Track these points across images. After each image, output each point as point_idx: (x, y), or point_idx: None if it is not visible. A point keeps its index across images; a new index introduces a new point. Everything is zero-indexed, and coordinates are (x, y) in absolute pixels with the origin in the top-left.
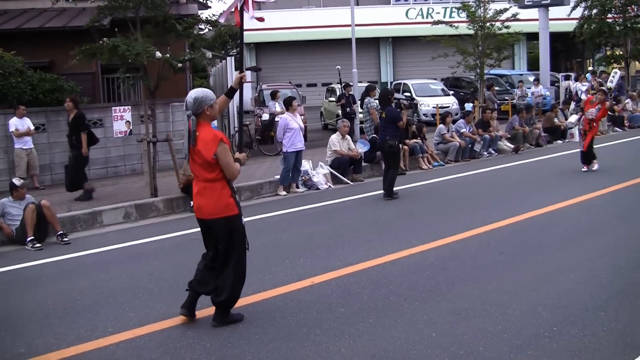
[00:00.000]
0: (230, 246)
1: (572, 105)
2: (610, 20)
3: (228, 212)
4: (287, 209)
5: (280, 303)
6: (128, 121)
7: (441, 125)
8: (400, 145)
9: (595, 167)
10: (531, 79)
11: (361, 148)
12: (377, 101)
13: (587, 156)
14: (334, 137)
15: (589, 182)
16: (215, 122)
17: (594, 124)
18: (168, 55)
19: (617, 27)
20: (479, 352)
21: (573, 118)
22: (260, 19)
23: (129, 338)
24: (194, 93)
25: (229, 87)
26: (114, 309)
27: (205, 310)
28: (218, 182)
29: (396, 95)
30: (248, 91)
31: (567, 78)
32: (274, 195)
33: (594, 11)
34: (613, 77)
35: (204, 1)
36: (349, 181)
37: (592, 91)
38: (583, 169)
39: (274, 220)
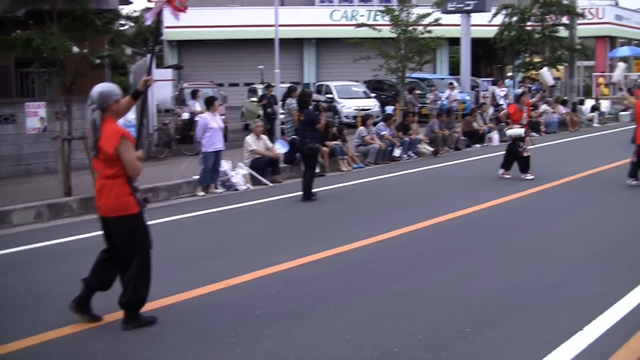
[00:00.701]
0: (130, 246)
1: (491, 110)
2: (529, 28)
3: (127, 211)
4: (205, 209)
5: (195, 305)
6: (42, 118)
7: (362, 128)
8: (320, 147)
9: (530, 177)
10: (454, 83)
11: (280, 149)
12: None
13: (525, 163)
14: (249, 138)
15: (507, 185)
16: (132, 121)
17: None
18: (86, 50)
19: (536, 35)
20: (393, 354)
21: (517, 131)
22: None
23: (36, 343)
24: (99, 87)
25: (134, 90)
26: (20, 312)
27: (118, 313)
28: (118, 179)
29: (317, 97)
30: (169, 90)
31: (494, 83)
32: (192, 195)
33: (514, 19)
34: (545, 74)
35: None
36: (268, 182)
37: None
38: (528, 177)
39: (191, 221)
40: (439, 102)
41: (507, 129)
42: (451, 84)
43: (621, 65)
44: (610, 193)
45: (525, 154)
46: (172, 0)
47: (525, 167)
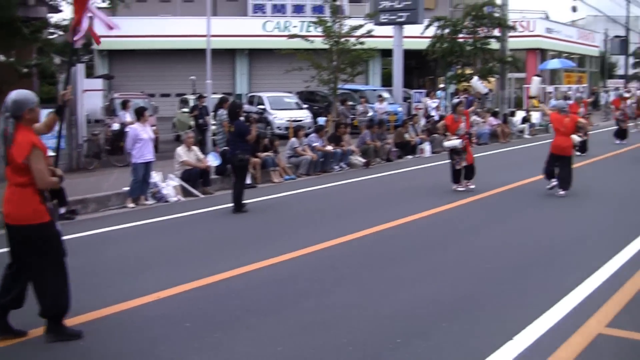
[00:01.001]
0: (41, 256)
1: (423, 121)
2: (461, 40)
3: (37, 220)
4: (134, 221)
5: (124, 318)
6: None
7: (293, 139)
8: (250, 158)
9: (472, 186)
10: (385, 94)
11: (213, 161)
12: None
13: (470, 170)
14: (180, 149)
15: (437, 197)
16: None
17: (467, 137)
18: (12, 59)
19: (468, 47)
20: None
21: (454, 142)
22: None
23: None
24: (14, 95)
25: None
26: None
27: (41, 328)
28: (29, 187)
29: (248, 108)
30: (99, 100)
31: (428, 94)
32: (121, 207)
33: (446, 31)
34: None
35: (55, 4)
36: (199, 194)
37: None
38: (459, 188)
39: (120, 233)
40: (369, 113)
41: (445, 141)
42: (380, 96)
43: (536, 80)
44: (538, 203)
45: (457, 167)
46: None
47: (463, 175)
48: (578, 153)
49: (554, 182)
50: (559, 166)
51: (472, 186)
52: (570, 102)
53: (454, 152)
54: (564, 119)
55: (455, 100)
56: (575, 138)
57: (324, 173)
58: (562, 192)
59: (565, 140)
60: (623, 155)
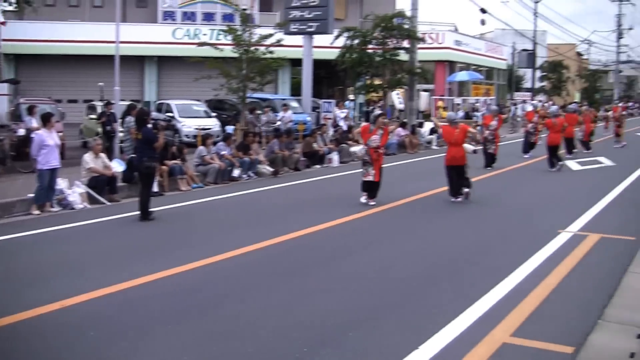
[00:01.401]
0: None
1: (331, 131)
2: (370, 51)
3: None
4: (39, 228)
5: (26, 327)
6: None
7: (201, 147)
8: (158, 165)
9: (373, 202)
10: (294, 104)
11: (117, 167)
12: None
13: (374, 187)
14: (87, 156)
15: (344, 207)
16: None
17: (380, 151)
18: None
19: (377, 58)
20: None
21: (356, 148)
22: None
23: None
24: None
25: None
26: None
27: None
28: None
29: (157, 115)
30: (4, 105)
31: (337, 104)
32: (26, 214)
33: (356, 41)
34: (398, 97)
35: None
36: (105, 201)
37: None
38: (364, 200)
39: (25, 240)
40: (278, 122)
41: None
42: (285, 105)
43: (423, 95)
44: (445, 214)
45: (365, 178)
46: None
47: (371, 188)
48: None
49: (459, 198)
50: (455, 176)
51: (373, 203)
52: (479, 114)
53: (365, 162)
54: (454, 131)
55: (377, 112)
56: (468, 147)
57: (231, 182)
58: (466, 190)
59: (457, 151)
60: (529, 167)
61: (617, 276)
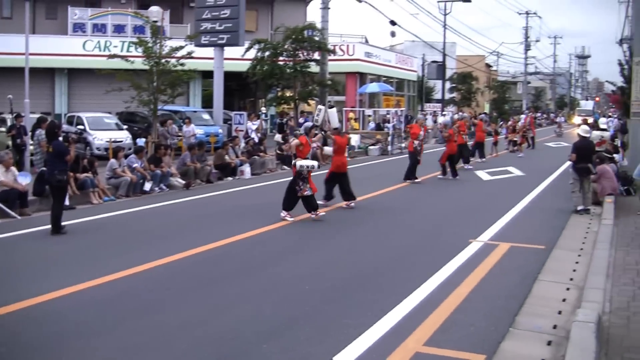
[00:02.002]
0: None
1: (242, 143)
2: (281, 63)
3: None
4: None
5: None
6: None
7: (113, 160)
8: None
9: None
10: (205, 116)
11: (22, 180)
12: None
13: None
14: None
15: (255, 219)
16: None
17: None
18: None
19: (288, 70)
20: None
21: (311, 163)
22: None
23: None
24: None
25: None
26: None
27: None
28: None
29: (67, 128)
30: None
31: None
32: None
33: (267, 53)
34: (318, 113)
35: None
36: (16, 215)
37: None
38: (288, 218)
39: None
40: (189, 136)
41: (298, 160)
42: (188, 118)
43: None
44: (358, 224)
45: (300, 194)
46: None
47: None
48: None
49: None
50: (340, 182)
51: (320, 213)
52: (390, 125)
53: (300, 177)
54: (343, 139)
55: (309, 124)
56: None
57: (143, 194)
58: (352, 204)
59: (344, 158)
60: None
61: (527, 284)
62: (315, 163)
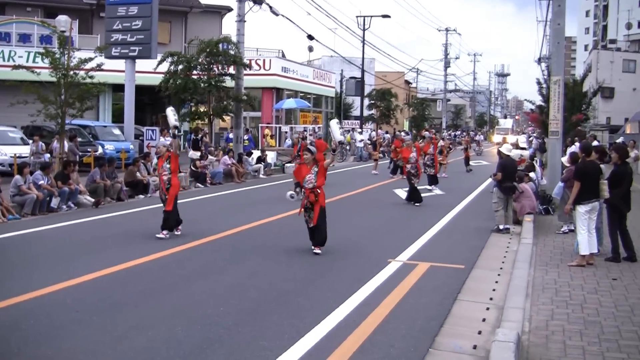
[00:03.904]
0: None
1: (155, 160)
2: (195, 77)
3: None
4: None
5: None
6: None
7: (18, 176)
8: None
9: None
10: (116, 131)
11: None
12: None
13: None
14: None
15: (162, 240)
16: None
17: (318, 191)
18: None
19: (202, 84)
20: None
21: (288, 194)
22: None
23: None
24: None
25: None
26: None
27: None
28: None
29: None
30: None
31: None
32: None
33: (180, 67)
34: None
35: None
36: None
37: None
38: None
39: None
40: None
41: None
42: (58, 134)
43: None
44: (270, 245)
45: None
46: None
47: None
48: None
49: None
50: None
51: (318, 251)
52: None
53: (306, 208)
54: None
55: (308, 141)
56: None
57: (50, 213)
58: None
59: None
60: (360, 196)
61: (447, 304)
62: (289, 194)
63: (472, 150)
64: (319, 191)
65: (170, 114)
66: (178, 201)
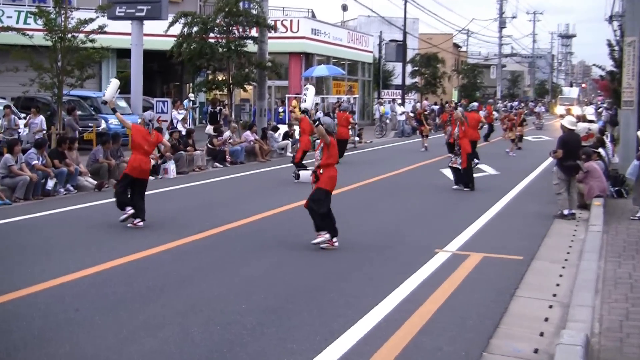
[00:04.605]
0: None
1: (166, 136)
2: (212, 41)
3: None
4: None
5: None
6: None
7: (8, 155)
8: None
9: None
10: (121, 103)
11: None
12: None
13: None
14: None
15: (179, 225)
16: None
17: (320, 171)
18: None
19: (220, 49)
20: None
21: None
22: None
23: None
24: None
25: None
26: None
27: None
28: None
29: None
30: None
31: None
32: None
33: (195, 29)
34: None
35: None
36: None
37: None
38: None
39: None
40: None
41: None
42: (36, 108)
43: (309, 87)
44: (300, 234)
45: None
46: None
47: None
48: None
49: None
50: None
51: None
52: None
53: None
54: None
55: (319, 115)
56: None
57: (45, 197)
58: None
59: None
60: (399, 178)
61: (503, 301)
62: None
63: (531, 124)
64: (321, 171)
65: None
66: (197, 183)
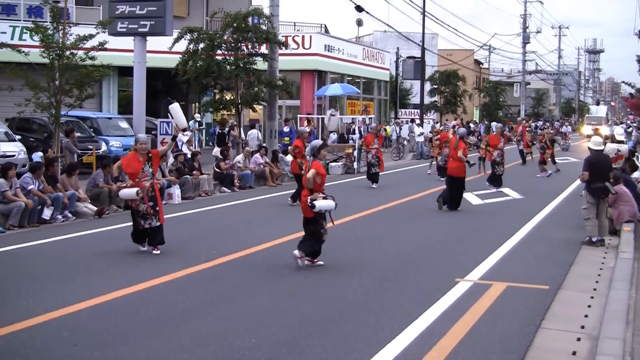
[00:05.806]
0: None
1: (171, 159)
2: (219, 58)
3: None
4: None
5: None
6: None
7: (1, 180)
8: None
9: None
10: (123, 124)
11: None
12: None
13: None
14: None
15: (185, 254)
16: None
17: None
18: None
19: (228, 67)
20: None
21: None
22: None
23: None
24: None
25: None
26: None
27: None
28: None
29: None
30: None
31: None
32: None
33: (201, 45)
34: (332, 116)
35: None
36: None
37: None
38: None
39: None
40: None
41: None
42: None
43: (333, 112)
44: (304, 266)
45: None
46: None
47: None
48: None
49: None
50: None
51: (307, 263)
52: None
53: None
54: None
55: (317, 143)
56: None
57: (42, 224)
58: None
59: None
60: (418, 202)
61: (528, 333)
62: (333, 204)
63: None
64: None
65: (178, 110)
66: (203, 209)
